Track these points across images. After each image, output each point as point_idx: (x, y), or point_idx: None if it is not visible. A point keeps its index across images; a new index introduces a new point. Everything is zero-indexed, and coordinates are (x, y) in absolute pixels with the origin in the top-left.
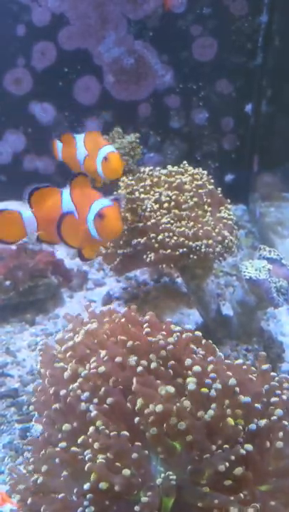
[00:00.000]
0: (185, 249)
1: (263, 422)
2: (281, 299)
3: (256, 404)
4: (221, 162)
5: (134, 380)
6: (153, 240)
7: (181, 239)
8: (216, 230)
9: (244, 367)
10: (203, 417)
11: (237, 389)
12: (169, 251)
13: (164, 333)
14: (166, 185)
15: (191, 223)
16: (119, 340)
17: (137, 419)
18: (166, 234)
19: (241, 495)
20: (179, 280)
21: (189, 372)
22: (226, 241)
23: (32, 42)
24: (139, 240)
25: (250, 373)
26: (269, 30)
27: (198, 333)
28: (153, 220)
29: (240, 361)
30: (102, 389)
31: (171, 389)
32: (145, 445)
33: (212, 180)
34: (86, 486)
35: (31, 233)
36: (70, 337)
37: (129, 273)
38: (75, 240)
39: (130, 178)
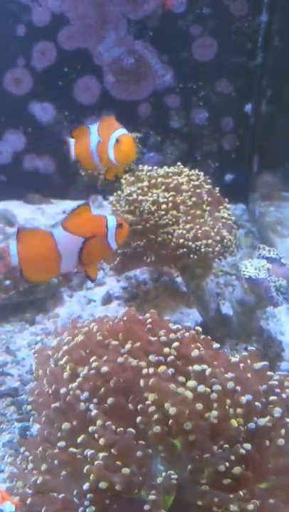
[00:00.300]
0: (185, 250)
1: (263, 420)
2: (280, 298)
3: (256, 403)
4: (220, 162)
5: (150, 372)
6: (153, 242)
7: (181, 240)
8: (215, 230)
9: (242, 365)
10: (209, 419)
11: (238, 388)
12: (169, 251)
13: (164, 331)
14: (164, 187)
15: (190, 225)
16: (120, 339)
17: (139, 418)
18: (165, 235)
19: (241, 493)
20: (179, 279)
21: (194, 368)
22: (225, 240)
23: (32, 42)
24: (139, 242)
25: (248, 371)
26: (269, 30)
27: (199, 328)
28: (152, 222)
29: (237, 359)
30: (102, 389)
31: (189, 394)
32: (147, 444)
33: (209, 180)
34: (86, 486)
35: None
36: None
37: (129, 272)
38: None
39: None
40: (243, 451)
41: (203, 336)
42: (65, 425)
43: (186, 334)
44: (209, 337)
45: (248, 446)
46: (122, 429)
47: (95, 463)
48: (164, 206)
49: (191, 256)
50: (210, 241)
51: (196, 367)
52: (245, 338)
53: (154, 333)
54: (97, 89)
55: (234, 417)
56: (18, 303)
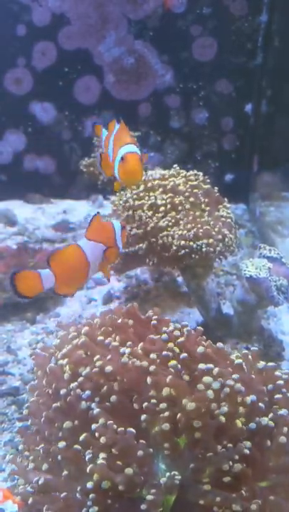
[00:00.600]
0: (186, 250)
1: (265, 419)
2: (281, 298)
3: (260, 404)
4: (221, 162)
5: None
6: (154, 244)
7: (182, 242)
8: (216, 229)
9: (244, 364)
10: (218, 417)
11: (242, 388)
12: (170, 253)
13: (167, 328)
14: (161, 189)
15: (190, 225)
16: (122, 337)
17: (143, 417)
18: (166, 238)
19: (243, 492)
20: (180, 279)
21: (200, 366)
22: (226, 239)
23: (32, 42)
24: (141, 245)
25: (251, 371)
26: (269, 30)
27: (200, 328)
28: (152, 225)
29: (240, 360)
30: (105, 387)
31: (211, 394)
32: (149, 443)
33: (208, 180)
34: (89, 485)
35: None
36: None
37: (130, 272)
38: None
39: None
40: (246, 451)
41: (203, 337)
42: (67, 424)
43: (191, 332)
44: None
45: (248, 444)
46: (122, 428)
47: (98, 462)
48: (162, 209)
49: (193, 256)
50: (211, 240)
51: (202, 365)
52: (246, 338)
53: (157, 330)
54: (97, 89)
55: (238, 416)
56: (19, 302)
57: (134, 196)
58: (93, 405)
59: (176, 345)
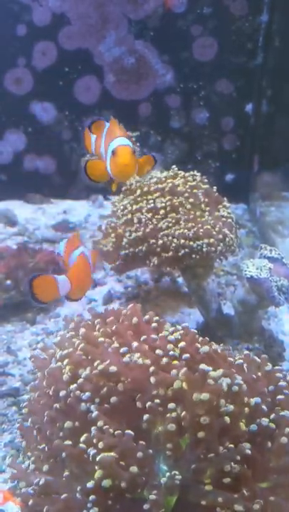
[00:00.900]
0: (187, 250)
1: (266, 420)
2: (282, 298)
3: (263, 406)
4: (221, 162)
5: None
6: (154, 245)
7: (182, 241)
8: (217, 229)
9: (245, 365)
10: (224, 417)
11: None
12: (171, 253)
13: (167, 330)
14: (158, 193)
15: (190, 224)
16: (123, 337)
17: (146, 416)
18: (166, 238)
19: (244, 491)
20: (180, 279)
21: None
22: (227, 239)
23: (33, 42)
24: (141, 247)
25: (253, 372)
26: (269, 30)
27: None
28: (151, 226)
29: (241, 361)
30: (105, 388)
31: (225, 386)
32: (149, 444)
33: (206, 180)
34: (90, 485)
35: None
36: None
37: (130, 272)
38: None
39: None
40: (248, 451)
41: (201, 338)
42: (68, 424)
43: (189, 334)
44: (207, 338)
45: (248, 445)
46: (120, 432)
47: (104, 456)
48: (162, 211)
49: (193, 256)
50: (212, 240)
51: (204, 365)
52: (246, 338)
53: (158, 332)
54: (97, 89)
55: (242, 417)
56: (19, 303)
57: (132, 202)
58: (92, 408)
59: (176, 347)
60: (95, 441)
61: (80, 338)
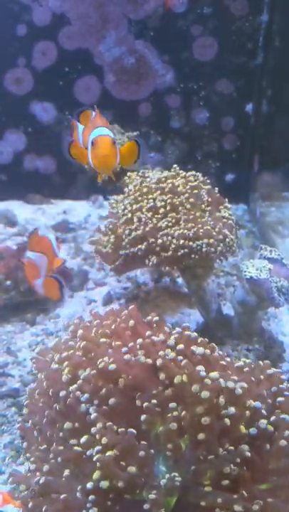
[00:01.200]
0: (186, 250)
1: (264, 422)
2: (282, 299)
3: (263, 411)
4: (221, 162)
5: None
6: (154, 245)
7: (182, 241)
8: (217, 229)
9: (246, 368)
10: (224, 419)
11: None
12: (169, 253)
13: (164, 332)
14: (159, 191)
15: (190, 224)
16: (123, 338)
17: (143, 417)
18: (165, 237)
19: (244, 493)
20: (180, 280)
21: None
22: (227, 240)
23: (33, 42)
24: (140, 246)
25: (253, 375)
26: (269, 30)
27: (195, 334)
28: (151, 225)
29: (241, 363)
30: (104, 389)
31: (222, 381)
32: (150, 444)
33: (208, 181)
34: (89, 485)
35: None
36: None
37: (130, 273)
38: None
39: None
40: (248, 454)
41: (200, 339)
42: (67, 425)
43: (183, 337)
44: (206, 339)
45: (247, 447)
46: (123, 429)
47: (107, 454)
48: (162, 210)
49: (193, 256)
50: (211, 240)
51: (200, 367)
52: (246, 339)
53: (156, 334)
54: (97, 89)
55: (242, 420)
56: (19, 303)
57: (132, 201)
58: (91, 409)
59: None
60: (94, 442)
61: (78, 340)
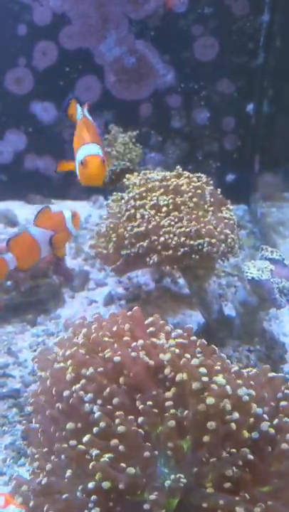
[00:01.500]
0: (186, 249)
1: (266, 424)
2: (284, 300)
3: (265, 415)
4: (222, 162)
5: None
6: (155, 243)
7: (183, 238)
8: (218, 230)
9: (247, 373)
10: (230, 424)
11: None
12: (171, 252)
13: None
14: (162, 190)
15: (192, 223)
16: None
17: (140, 419)
18: (167, 235)
19: (246, 495)
20: (181, 281)
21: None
22: (229, 240)
23: (33, 41)
24: (142, 243)
25: (256, 379)
26: (270, 30)
27: (194, 338)
28: (154, 223)
29: (248, 369)
30: (108, 389)
31: (228, 388)
32: (153, 445)
33: (211, 182)
34: (91, 485)
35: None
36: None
37: (131, 273)
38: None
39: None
40: (250, 457)
41: (199, 342)
42: (70, 425)
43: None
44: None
45: (248, 450)
46: (135, 428)
47: (102, 460)
48: (164, 209)
49: (193, 256)
50: (213, 240)
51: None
52: (247, 340)
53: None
54: (98, 89)
55: (246, 426)
56: (20, 304)
57: (137, 196)
58: (95, 408)
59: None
60: (96, 441)
61: (81, 339)
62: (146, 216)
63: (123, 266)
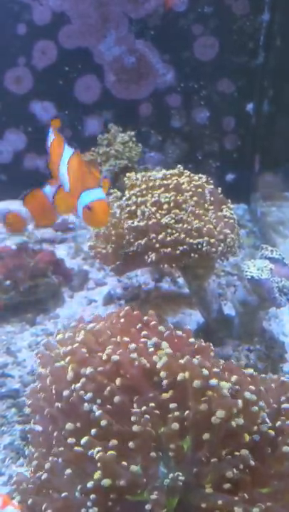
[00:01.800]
0: (186, 247)
1: (266, 426)
2: (284, 299)
3: (267, 419)
4: (222, 162)
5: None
6: (154, 240)
7: (182, 235)
8: (218, 229)
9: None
10: (235, 422)
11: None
12: (169, 249)
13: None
14: (163, 188)
15: (195, 220)
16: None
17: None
18: (166, 233)
19: (245, 495)
20: (181, 280)
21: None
22: (228, 239)
23: (33, 41)
24: (140, 241)
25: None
26: (271, 29)
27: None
28: (154, 220)
29: (250, 370)
30: (108, 388)
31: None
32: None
33: (211, 181)
34: (90, 484)
35: None
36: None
37: (130, 273)
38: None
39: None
40: (252, 462)
41: (197, 345)
42: (69, 425)
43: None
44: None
45: (247, 452)
46: (151, 427)
47: (108, 453)
48: (165, 206)
49: (192, 255)
50: (212, 239)
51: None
52: (247, 339)
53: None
54: (97, 88)
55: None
56: (19, 303)
57: (138, 193)
58: (94, 408)
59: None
60: (97, 439)
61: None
62: (146, 213)
63: (122, 265)
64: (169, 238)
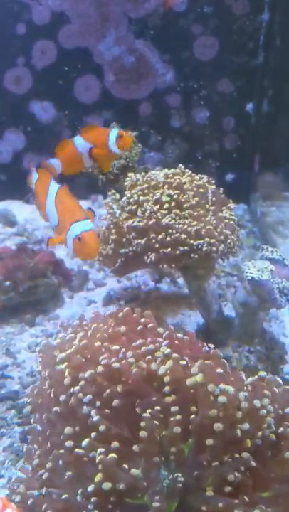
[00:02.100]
0: (186, 248)
1: (268, 430)
2: (284, 300)
3: (272, 425)
4: (221, 161)
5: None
6: (153, 241)
7: (183, 236)
8: (218, 230)
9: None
10: (238, 429)
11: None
12: (169, 250)
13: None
14: (166, 186)
15: (194, 222)
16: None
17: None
18: (166, 234)
19: (246, 498)
20: (180, 281)
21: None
22: (229, 240)
23: (32, 41)
24: (140, 241)
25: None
26: (270, 29)
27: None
28: (154, 220)
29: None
30: (107, 391)
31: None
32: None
33: (213, 181)
34: (90, 488)
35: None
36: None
37: (130, 274)
38: None
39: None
40: (253, 463)
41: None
42: (68, 429)
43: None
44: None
45: (248, 455)
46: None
47: (109, 456)
48: (166, 205)
49: (192, 255)
50: (213, 240)
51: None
52: (247, 340)
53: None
54: (97, 88)
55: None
56: (18, 304)
57: (140, 192)
58: (93, 412)
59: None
60: (97, 443)
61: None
62: (148, 212)
63: (122, 266)
64: (168, 238)
